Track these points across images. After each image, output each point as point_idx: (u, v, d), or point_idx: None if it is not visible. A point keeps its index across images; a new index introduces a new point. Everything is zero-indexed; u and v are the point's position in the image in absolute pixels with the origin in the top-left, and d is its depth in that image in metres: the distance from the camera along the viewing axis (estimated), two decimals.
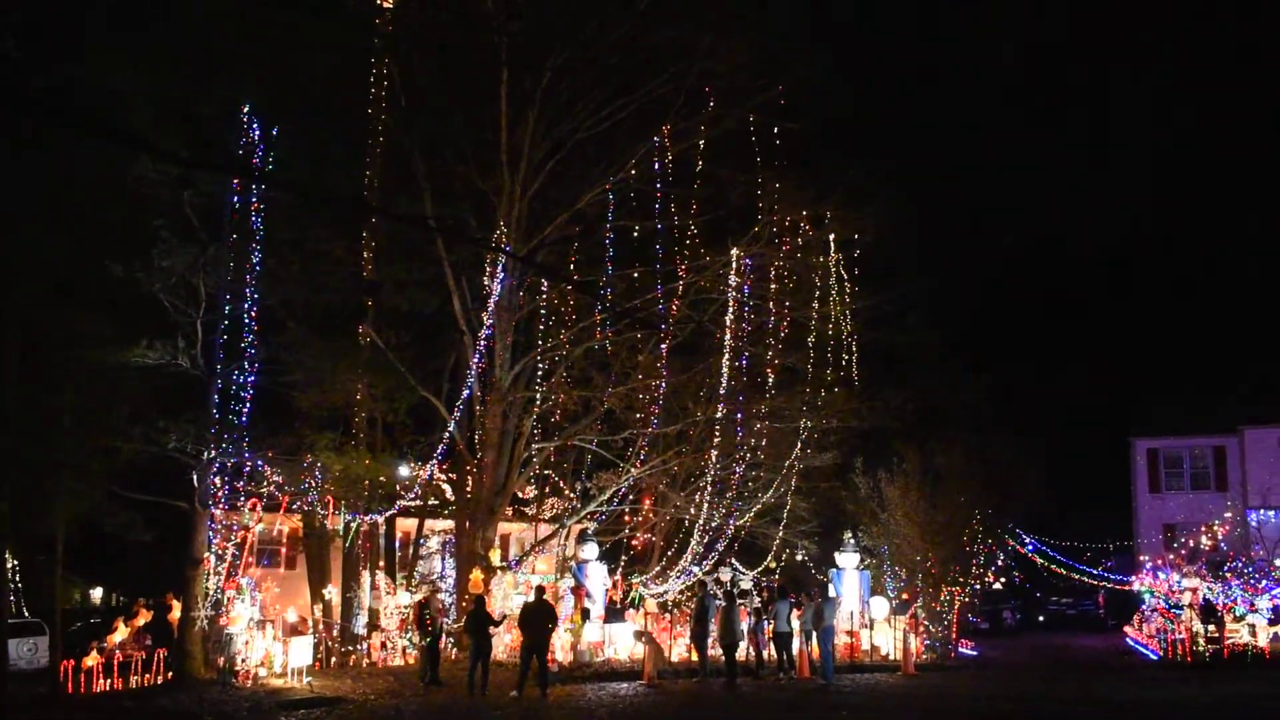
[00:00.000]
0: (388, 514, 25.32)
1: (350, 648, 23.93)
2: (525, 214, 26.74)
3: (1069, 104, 72.15)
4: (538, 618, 19.84)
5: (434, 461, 25.14)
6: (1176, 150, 68.44)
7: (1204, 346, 57.21)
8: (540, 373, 26.94)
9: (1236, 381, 44.81)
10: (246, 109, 21.77)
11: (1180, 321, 63.92)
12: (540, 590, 21.07)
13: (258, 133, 21.90)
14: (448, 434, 25.28)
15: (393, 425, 27.40)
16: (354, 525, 24.67)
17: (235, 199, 21.70)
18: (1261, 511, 39.56)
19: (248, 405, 21.62)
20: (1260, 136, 67.68)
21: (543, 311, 26.76)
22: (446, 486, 28.45)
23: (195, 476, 21.73)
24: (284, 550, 29.66)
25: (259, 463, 22.37)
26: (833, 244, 28.83)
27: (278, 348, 23.83)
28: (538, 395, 26.71)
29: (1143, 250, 67.06)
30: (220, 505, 21.72)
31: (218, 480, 21.69)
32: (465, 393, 25.49)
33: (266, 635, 21.60)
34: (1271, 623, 28.40)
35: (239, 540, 22.00)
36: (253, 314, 21.76)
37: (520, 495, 29.51)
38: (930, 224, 57.41)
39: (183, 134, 20.90)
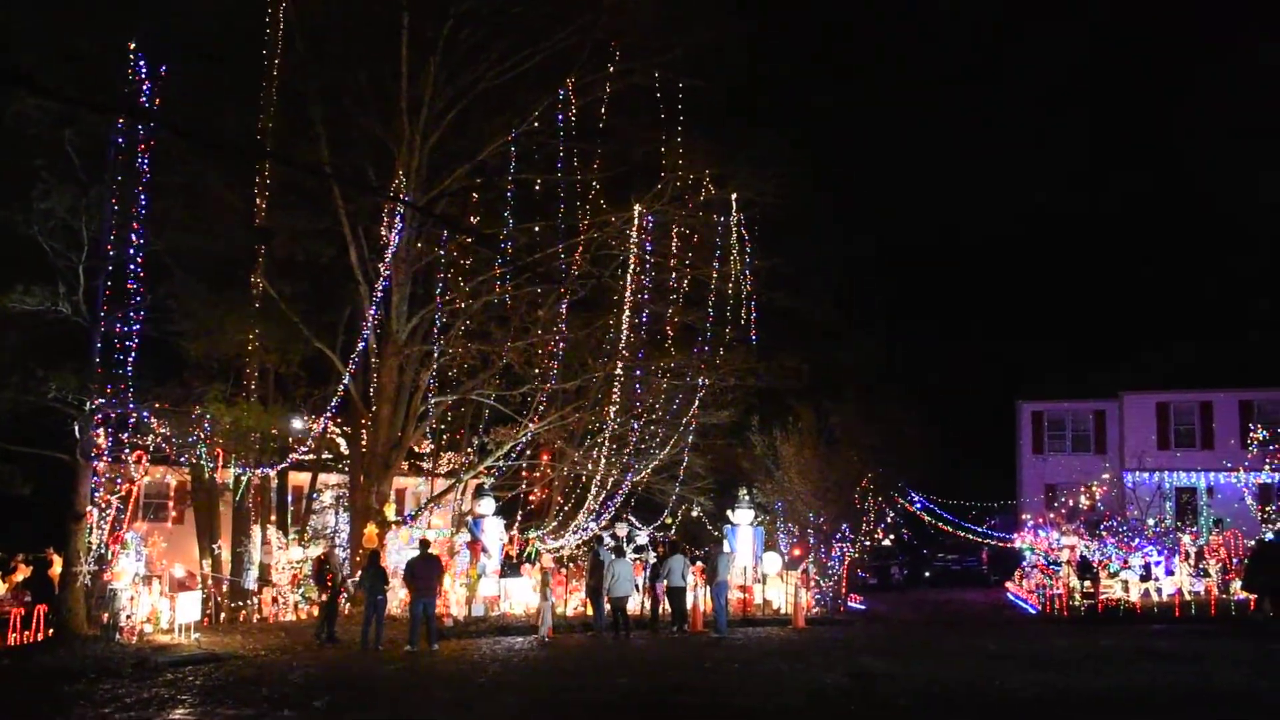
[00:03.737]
0: (280, 467, 25.01)
1: (240, 603, 23.70)
2: (425, 164, 26.49)
3: (975, 77, 73.57)
4: (424, 571, 19.94)
5: (328, 414, 24.88)
6: (1067, 129, 70.42)
7: (1088, 317, 59.42)
8: (438, 326, 26.78)
9: (1117, 350, 46.74)
10: (134, 46, 21.02)
11: (1068, 292, 66.15)
12: (426, 544, 21.09)
13: (145, 71, 21.17)
14: (343, 387, 25.03)
15: (285, 377, 27.06)
16: (244, 479, 24.35)
17: (120, 140, 20.97)
18: (1137, 473, 41.42)
19: (133, 355, 21.04)
20: (1143, 118, 70.05)
21: (442, 264, 26.57)
22: (341, 440, 28.23)
23: (77, 428, 21.15)
24: (171, 504, 29.11)
25: (144, 414, 21.85)
26: (735, 204, 29.10)
27: (165, 296, 23.30)
28: (435, 348, 26.56)
29: (1034, 225, 69.07)
30: (104, 458, 21.20)
31: (101, 432, 21.13)
32: (361, 345, 25.25)
33: (152, 591, 21.25)
34: (1143, 579, 29.84)
35: (123, 494, 21.52)
36: (138, 260, 21.14)
37: (416, 449, 29.42)
38: (834, 190, 58.29)
39: (66, 71, 20.12)
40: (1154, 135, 68.62)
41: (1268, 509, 33.23)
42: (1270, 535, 26.67)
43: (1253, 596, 25.41)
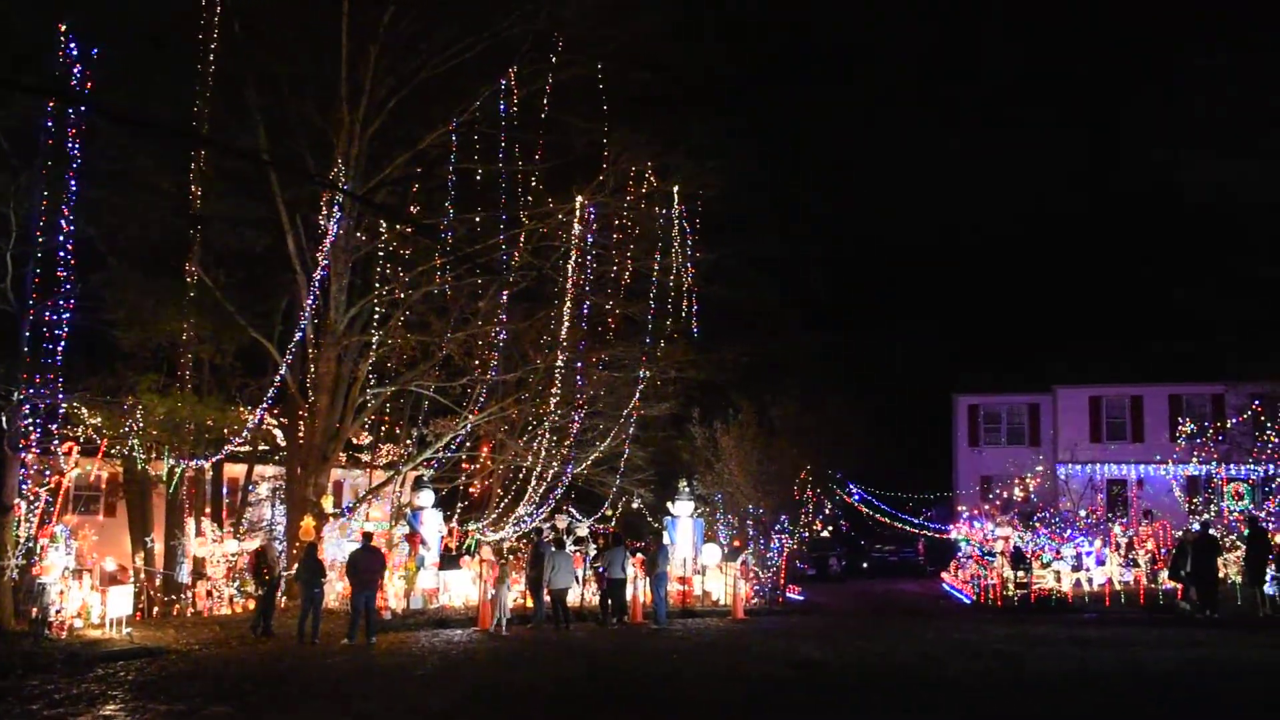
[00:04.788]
0: (215, 459, 24.69)
1: (174, 597, 23.38)
2: (365, 152, 26.26)
3: (921, 76, 74.38)
4: (367, 564, 19.85)
5: (264, 405, 24.60)
6: (1005, 128, 71.48)
7: (1023, 311, 60.36)
8: (377, 316, 26.60)
9: (1052, 345, 47.62)
10: (64, 28, 20.55)
11: (1003, 285, 67.12)
12: (368, 536, 21.00)
13: (76, 53, 20.72)
14: (279, 377, 24.76)
15: (221, 367, 26.70)
16: (178, 471, 24.00)
17: (50, 123, 20.51)
18: (1069, 466, 42.29)
19: (62, 343, 20.56)
20: (1073, 117, 71.31)
21: (381, 253, 26.38)
22: (277, 431, 27.92)
23: (4, 418, 20.67)
24: (103, 497, 28.60)
25: (75, 404, 21.45)
26: (677, 196, 29.20)
27: (97, 283, 22.85)
28: (374, 339, 26.38)
29: (972, 220, 70.00)
30: (32, 449, 20.75)
31: (29, 422, 20.70)
32: (298, 335, 25.00)
33: (83, 585, 20.87)
34: (1074, 569, 30.51)
35: (53, 486, 21.10)
36: (69, 247, 20.68)
37: (355, 441, 29.21)
38: (776, 182, 58.73)
39: None
40: (1087, 133, 69.98)
41: (1194, 501, 34.13)
42: (1196, 526, 27.35)
43: (1179, 586, 26.08)
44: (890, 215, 71.23)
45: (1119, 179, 66.37)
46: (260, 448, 27.81)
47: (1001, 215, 69.80)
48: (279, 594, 22.26)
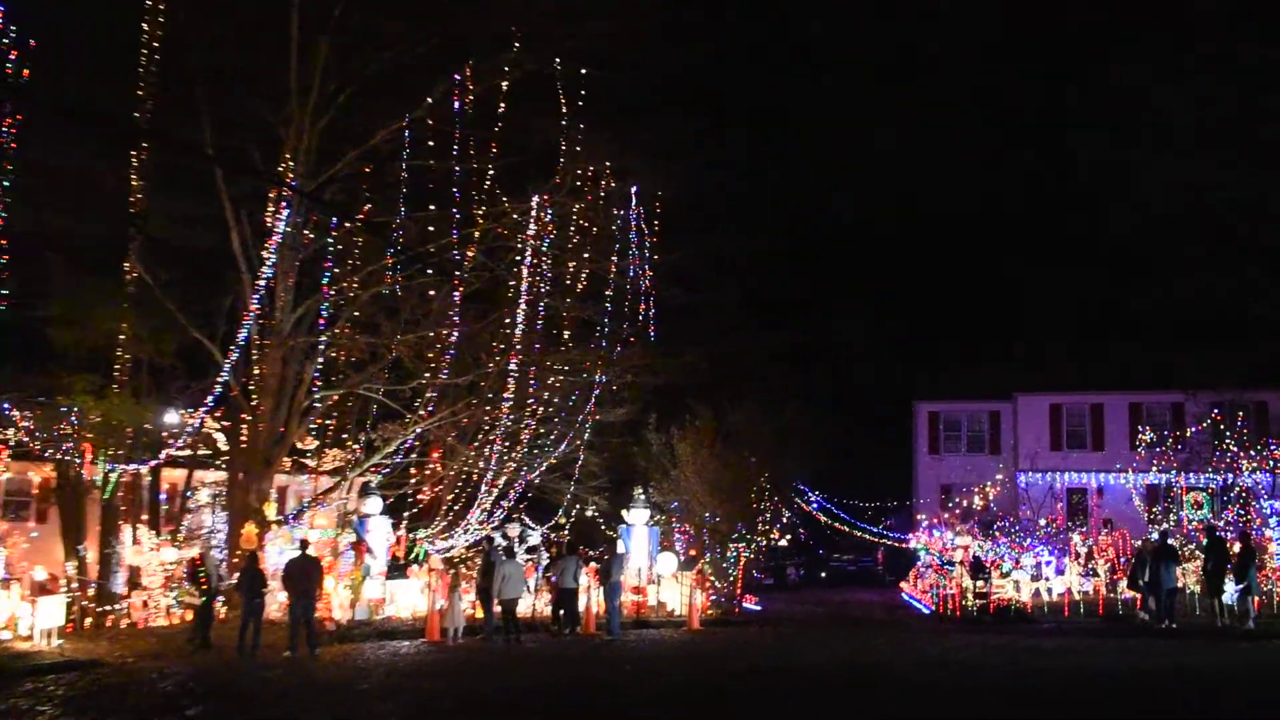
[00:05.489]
0: (153, 464, 24.37)
1: (108, 608, 23.01)
2: (314, 148, 26.07)
3: (884, 77, 74.99)
4: (303, 573, 19.67)
5: (206, 408, 24.30)
6: (971, 128, 72.25)
7: (985, 318, 61.08)
8: (324, 317, 26.36)
9: (1013, 351, 48.18)
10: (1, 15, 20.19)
11: (966, 292, 67.93)
12: (305, 544, 20.83)
13: (13, 42, 20.35)
14: (222, 379, 24.49)
15: (161, 368, 26.36)
16: (114, 476, 23.64)
17: None
18: (1029, 474, 42.74)
19: None
20: (1044, 116, 72.19)
21: (329, 252, 26.14)
22: (219, 435, 27.59)
23: None
24: (34, 502, 28.10)
25: (5, 405, 21.06)
26: (634, 197, 29.20)
27: (31, 279, 22.43)
28: (321, 340, 26.15)
29: (934, 226, 70.79)
30: None
31: None
32: (242, 335, 24.73)
33: (12, 595, 20.51)
34: (1034, 578, 30.81)
35: None
36: (2, 241, 20.32)
37: (300, 446, 28.90)
38: (737, 187, 59.05)
39: None
40: (1052, 135, 70.84)
41: (1154, 510, 34.61)
42: (1155, 536, 27.74)
43: (1138, 595, 26.41)
44: (849, 220, 71.90)
45: (1078, 186, 67.35)
46: (201, 452, 27.45)
47: (962, 220, 70.61)
48: (218, 604, 22.00)
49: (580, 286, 29.02)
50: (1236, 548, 25.71)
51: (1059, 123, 69.34)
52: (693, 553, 30.30)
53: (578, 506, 33.40)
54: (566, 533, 32.19)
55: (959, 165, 70.89)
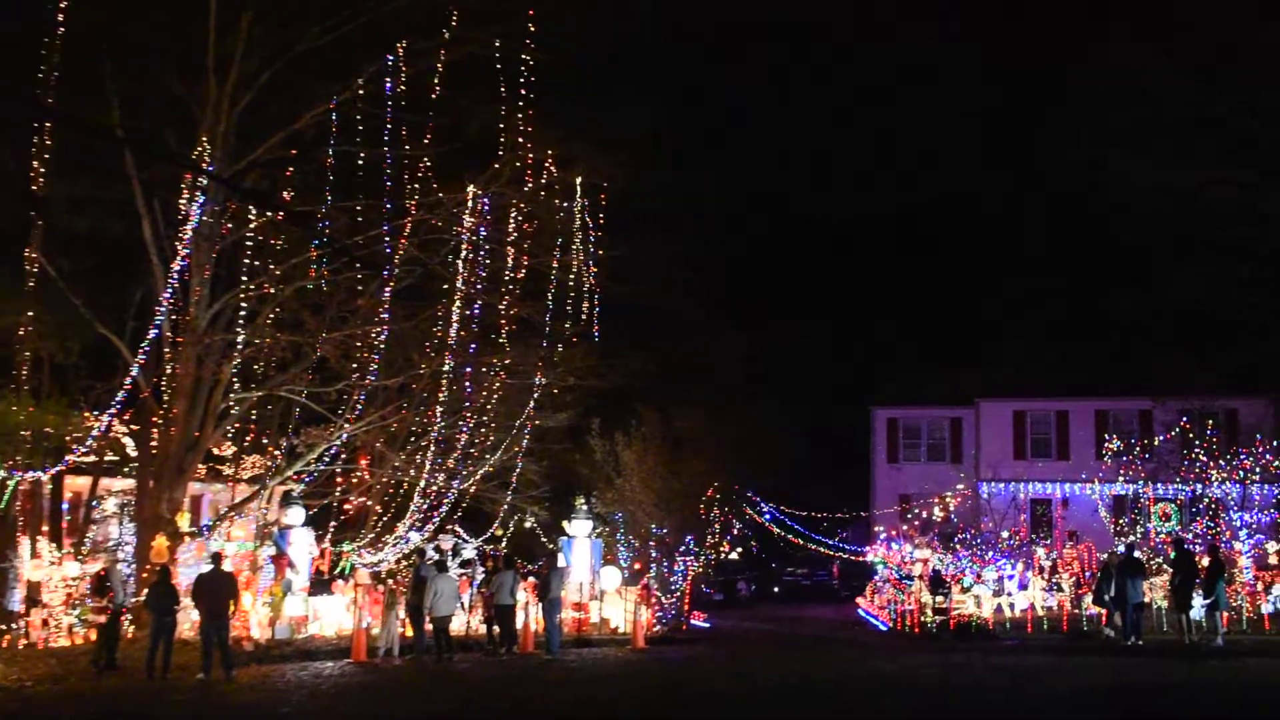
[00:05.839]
0: (54, 471, 23.88)
1: (4, 627, 22.53)
2: (233, 130, 25.73)
3: (847, 71, 75.54)
4: (216, 588, 19.36)
5: (113, 410, 23.88)
6: (931, 127, 73.06)
7: (946, 321, 61.70)
8: (244, 313, 25.99)
9: (975, 356, 48.69)
10: None
11: (926, 295, 68.59)
12: (219, 557, 20.52)
13: None
14: (131, 379, 24.07)
15: (64, 367, 25.86)
16: (11, 484, 23.14)
17: None
18: (992, 483, 43.20)
19: None
20: (1007, 116, 73.09)
21: (250, 243, 25.78)
22: (128, 440, 27.14)
23: None
24: None
25: None
26: (579, 188, 29.10)
27: None
28: (240, 338, 25.79)
29: (895, 226, 71.46)
30: None
31: None
32: (154, 332, 24.30)
33: None
34: (995, 594, 31.13)
35: None
36: None
37: (216, 452, 28.53)
38: (688, 181, 59.12)
39: None
40: (1017, 135, 71.72)
41: (1120, 521, 35.10)
42: (1122, 548, 28.11)
43: (1104, 611, 26.75)
44: (806, 218, 72.33)
45: (1044, 187, 68.12)
46: (108, 458, 26.99)
47: (923, 220, 71.34)
48: (125, 622, 21.62)
49: (520, 282, 28.87)
50: (1205, 561, 26.15)
51: (1026, 121, 70.20)
52: (638, 566, 30.28)
53: (515, 517, 33.30)
54: (503, 545, 32.07)
55: (921, 163, 71.74)
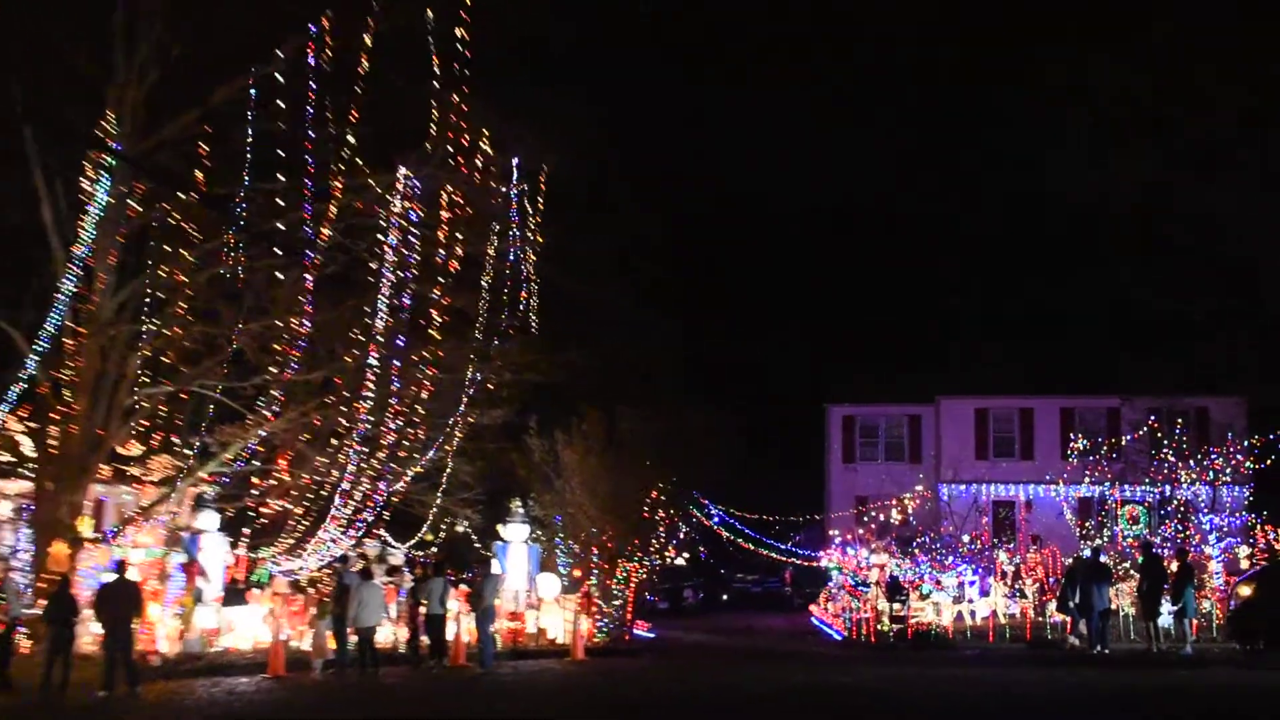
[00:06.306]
0: None
1: None
2: (143, 106, 25.38)
3: (800, 60, 75.93)
4: (120, 598, 19.23)
5: (8, 406, 23.51)
6: (889, 119, 73.61)
7: (906, 317, 62.21)
8: (152, 302, 25.66)
9: (935, 353, 49.14)
10: None
11: (885, 290, 69.12)
12: (124, 565, 20.33)
13: None
14: (28, 373, 23.73)
15: None
16: None
17: None
18: (953, 485, 43.56)
19: None
20: (964, 111, 73.94)
21: (159, 227, 25.48)
22: (24, 439, 26.70)
23: None
24: None
25: None
26: (516, 172, 29.00)
27: None
28: (148, 329, 25.46)
29: (852, 221, 71.87)
30: None
31: None
32: (53, 322, 23.98)
33: None
34: (956, 601, 31.40)
35: None
36: None
37: (122, 451, 28.13)
38: (633, 162, 59.19)
39: None
40: (973, 131, 72.52)
41: (1086, 524, 35.50)
42: (1088, 553, 28.43)
43: (1068, 619, 27.03)
44: (761, 205, 72.60)
45: (1005, 182, 69.08)
46: (2, 459, 26.56)
47: (883, 214, 71.83)
48: (19, 636, 21.29)
49: (453, 271, 28.72)
50: (1174, 566, 26.49)
51: (984, 117, 71.08)
52: (578, 573, 30.23)
53: (447, 521, 33.13)
54: (434, 551, 31.88)
55: (879, 155, 72.22)
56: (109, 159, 23.90)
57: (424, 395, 28.75)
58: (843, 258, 71.61)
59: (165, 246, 25.43)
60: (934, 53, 73.82)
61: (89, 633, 21.71)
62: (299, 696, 19.58)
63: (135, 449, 28.07)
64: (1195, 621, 26.09)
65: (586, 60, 54.19)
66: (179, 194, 25.31)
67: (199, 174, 25.91)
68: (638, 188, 53.94)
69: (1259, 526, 32.12)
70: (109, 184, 24.21)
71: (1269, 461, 32.82)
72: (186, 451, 27.67)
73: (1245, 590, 25.42)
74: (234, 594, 25.35)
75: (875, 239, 70.30)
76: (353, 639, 22.57)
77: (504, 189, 29.22)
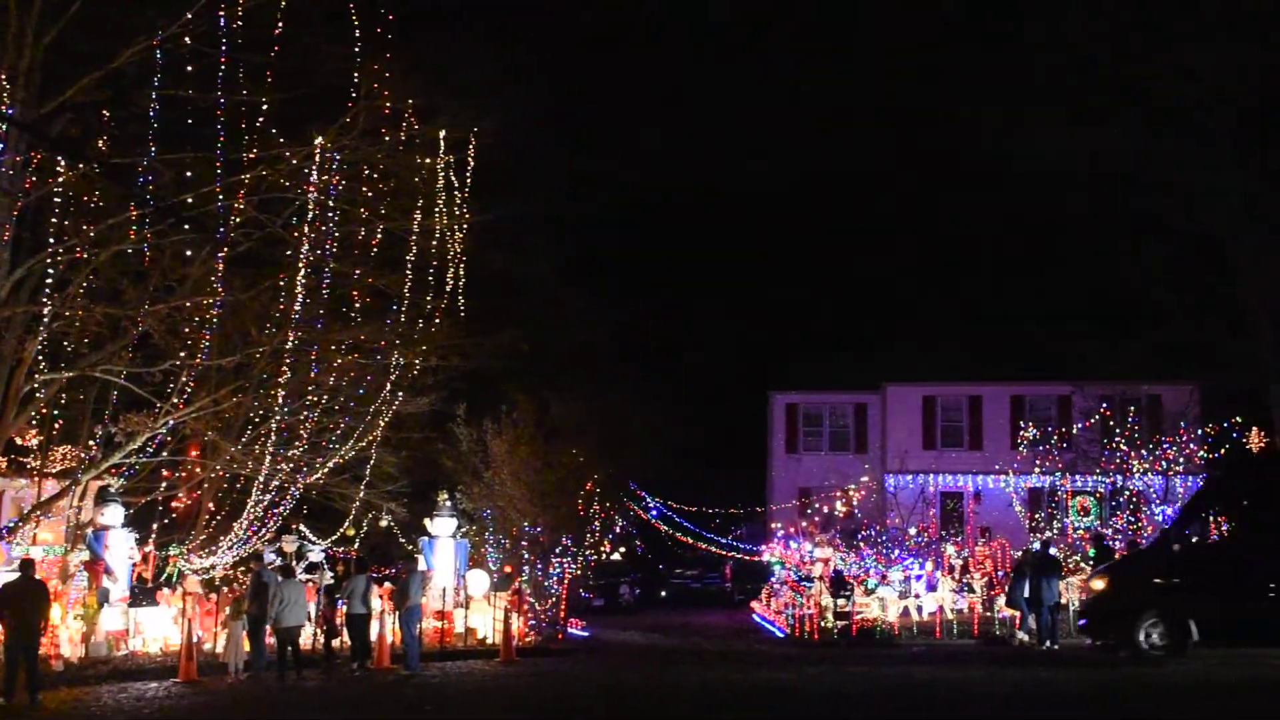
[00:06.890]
0: None
1: None
2: (39, 68, 24.89)
3: (748, 39, 76.04)
4: (24, 600, 19.01)
5: None
6: (831, 94, 73.99)
7: (852, 301, 62.64)
8: (51, 281, 25.30)
9: (882, 339, 49.63)
10: None
11: (830, 273, 69.50)
12: (28, 564, 20.08)
13: None
14: None
15: None
16: None
17: None
18: (899, 475, 44.13)
19: None
20: (912, 87, 74.50)
21: (58, 200, 25.09)
22: None
23: None
24: None
25: None
26: (443, 143, 28.88)
27: None
28: (47, 310, 25.10)
29: (796, 200, 72.14)
30: None
31: None
32: None
33: None
34: (902, 596, 31.84)
35: None
36: None
37: (19, 441, 27.80)
38: (567, 134, 58.99)
39: None
40: (923, 105, 73.08)
41: (1036, 516, 36.15)
42: (1038, 545, 28.97)
43: (1017, 614, 27.53)
44: (700, 180, 72.68)
45: (955, 159, 69.62)
46: None
47: (827, 193, 72.21)
48: None
49: (374, 249, 28.59)
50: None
51: (934, 90, 71.57)
52: (508, 569, 30.30)
53: (370, 515, 33.04)
54: (355, 547, 31.76)
55: (824, 133, 72.52)
56: (2, 125, 23.50)
57: (344, 381, 28.66)
58: (787, 240, 71.97)
59: (65, 221, 25.07)
60: (881, 35, 74.28)
61: None
62: (213, 702, 19.53)
63: (34, 439, 27.76)
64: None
65: (531, 30, 54.01)
66: (79, 164, 24.93)
67: (101, 142, 25.65)
68: (575, 165, 53.98)
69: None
70: (2, 152, 23.83)
71: (1223, 450, 33.48)
72: (90, 442, 27.42)
73: (1099, 584, 24.83)
74: (142, 594, 25.26)
75: (821, 221, 70.65)
76: (271, 640, 22.49)
77: (429, 161, 29.10)
